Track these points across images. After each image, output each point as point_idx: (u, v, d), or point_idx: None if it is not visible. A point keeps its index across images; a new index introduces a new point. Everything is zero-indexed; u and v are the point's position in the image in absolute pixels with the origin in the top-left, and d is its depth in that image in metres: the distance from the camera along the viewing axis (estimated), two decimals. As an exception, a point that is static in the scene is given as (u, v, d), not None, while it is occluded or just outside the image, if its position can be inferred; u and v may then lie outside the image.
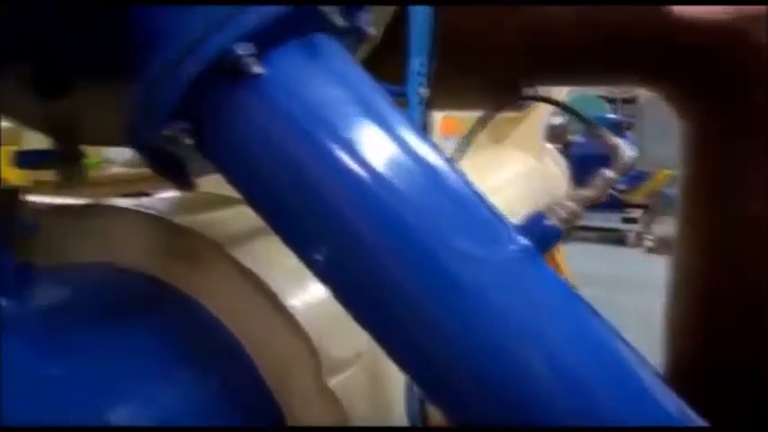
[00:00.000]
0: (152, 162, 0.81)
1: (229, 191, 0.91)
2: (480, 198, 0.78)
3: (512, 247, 0.73)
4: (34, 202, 1.12)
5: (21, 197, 0.98)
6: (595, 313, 0.74)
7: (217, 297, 1.14)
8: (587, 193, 0.77)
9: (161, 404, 1.00)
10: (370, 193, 0.73)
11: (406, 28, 1.01)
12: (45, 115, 0.93)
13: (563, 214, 0.74)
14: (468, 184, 0.78)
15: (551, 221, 0.74)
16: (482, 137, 1.77)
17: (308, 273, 0.94)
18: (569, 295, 0.73)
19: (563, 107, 1.50)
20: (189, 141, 0.72)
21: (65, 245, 1.22)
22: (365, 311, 0.79)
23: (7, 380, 0.74)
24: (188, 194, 1.40)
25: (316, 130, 0.72)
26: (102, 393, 0.91)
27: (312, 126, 0.72)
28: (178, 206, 1.33)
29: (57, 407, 0.81)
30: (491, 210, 0.78)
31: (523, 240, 0.73)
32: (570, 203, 0.74)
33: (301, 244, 0.79)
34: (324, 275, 0.80)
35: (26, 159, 0.84)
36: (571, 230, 0.75)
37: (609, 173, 0.78)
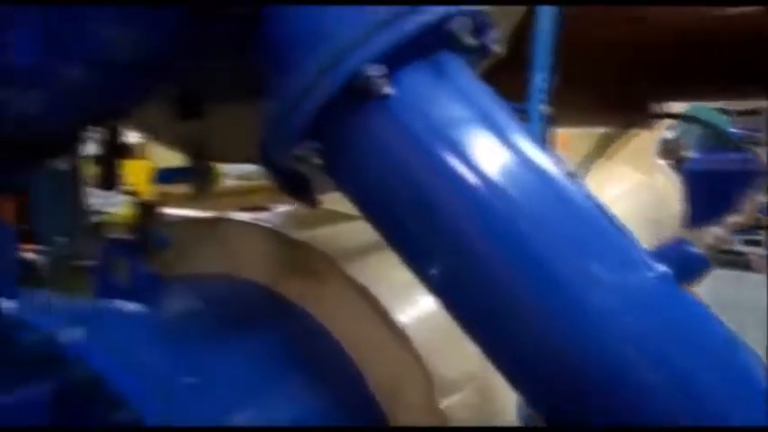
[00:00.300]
0: (279, 180, 0.83)
1: (342, 206, 0.94)
2: (611, 219, 0.75)
3: (649, 273, 0.69)
4: (164, 215, 1.19)
5: (156, 211, 1.05)
6: (743, 345, 0.69)
7: (329, 311, 1.17)
8: (737, 218, 0.72)
9: (275, 412, 1.03)
10: (492, 212, 0.73)
11: (528, 44, 0.99)
12: (181, 135, 0.99)
13: (709, 240, 0.69)
14: (597, 204, 0.75)
15: (694, 248, 0.69)
16: (591, 152, 1.71)
17: (417, 289, 0.95)
18: (715, 326, 0.68)
19: (702, 123, 1.42)
20: (318, 161, 0.74)
21: (188, 255, 1.29)
22: (480, 328, 0.78)
23: (147, 385, 0.79)
24: (303, 209, 1.45)
25: (440, 149, 0.73)
26: (223, 401, 0.95)
27: (437, 145, 0.73)
28: (294, 221, 1.37)
29: (186, 412, 0.85)
30: (622, 232, 0.74)
31: (661, 267, 0.69)
32: (717, 230, 0.69)
33: (418, 259, 0.80)
34: (439, 290, 0.80)
35: (164, 175, 0.90)
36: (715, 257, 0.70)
37: (760, 196, 0.72)
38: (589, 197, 0.76)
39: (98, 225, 2.63)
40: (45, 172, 1.30)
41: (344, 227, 1.36)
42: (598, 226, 0.75)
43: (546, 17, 0.99)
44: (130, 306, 1.00)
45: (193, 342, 1.00)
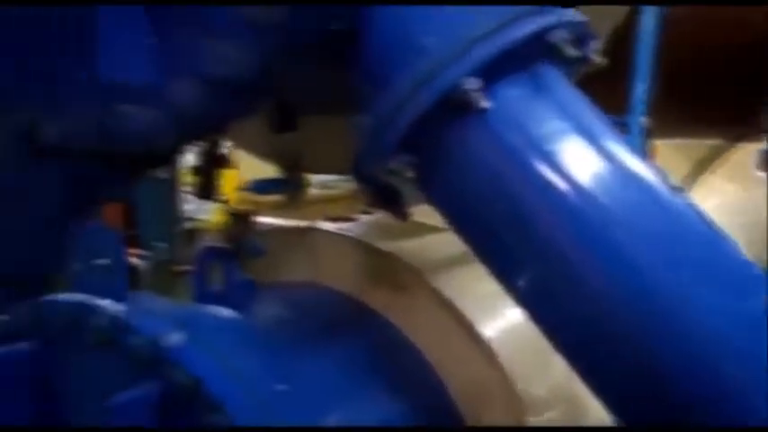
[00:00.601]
0: (370, 192, 0.84)
1: (426, 218, 0.93)
2: (722, 238, 0.70)
3: (760, 298, 0.64)
4: (257, 223, 1.23)
5: (251, 220, 1.09)
6: None
7: (414, 322, 1.16)
8: None
9: (360, 419, 1.03)
10: (590, 224, 0.71)
11: (629, 53, 0.95)
12: (275, 147, 1.02)
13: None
14: (707, 221, 0.71)
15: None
16: (686, 166, 1.62)
17: (503, 302, 0.93)
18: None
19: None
20: (410, 174, 0.75)
21: (276, 263, 1.32)
22: (570, 341, 0.76)
23: (242, 390, 0.81)
24: (387, 220, 1.46)
25: (537, 162, 0.71)
26: (312, 407, 0.96)
27: (534, 158, 0.71)
28: (379, 231, 1.38)
29: (277, 417, 0.86)
30: (735, 252, 0.69)
31: None
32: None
33: (509, 270, 0.79)
34: (529, 302, 0.79)
35: (259, 186, 0.93)
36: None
37: None
38: (696, 212, 0.72)
39: (192, 231, 2.77)
40: (148, 181, 1.38)
41: (430, 239, 1.36)
42: (706, 243, 0.71)
43: (649, 19, 0.94)
44: (225, 311, 1.04)
45: (284, 348, 1.02)
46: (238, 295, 1.06)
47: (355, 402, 1.06)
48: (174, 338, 0.84)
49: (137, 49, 0.72)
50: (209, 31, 0.72)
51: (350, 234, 1.31)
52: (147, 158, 1.10)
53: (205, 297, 1.08)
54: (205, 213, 3.60)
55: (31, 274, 1.37)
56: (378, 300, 1.19)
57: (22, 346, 0.91)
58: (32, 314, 0.92)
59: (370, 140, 0.75)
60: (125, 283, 0.90)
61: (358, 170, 0.81)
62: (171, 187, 1.86)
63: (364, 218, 1.59)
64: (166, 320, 0.89)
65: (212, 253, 1.11)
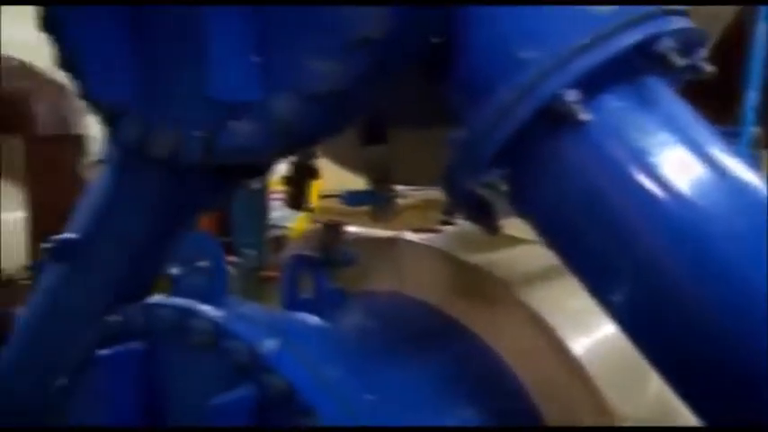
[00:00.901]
0: (462, 205, 0.84)
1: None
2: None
3: None
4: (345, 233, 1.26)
5: (342, 230, 1.11)
6: None
7: (502, 336, 1.15)
8: None
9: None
10: (696, 241, 0.68)
11: (741, 60, 0.90)
12: (365, 159, 1.04)
13: None
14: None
15: None
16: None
17: (593, 319, 0.89)
18: None
19: None
20: (505, 187, 0.74)
21: (362, 273, 1.34)
22: (669, 356, 0.74)
23: (333, 398, 0.83)
24: (472, 232, 1.45)
25: (640, 176, 0.69)
26: (400, 418, 0.97)
27: (636, 171, 0.70)
28: (465, 243, 1.38)
29: (365, 424, 0.88)
30: None
31: None
32: None
33: (604, 285, 0.76)
34: (625, 316, 0.76)
35: (351, 198, 0.96)
36: None
37: None
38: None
39: (279, 238, 2.86)
40: (242, 190, 1.43)
41: (516, 251, 1.34)
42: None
43: (764, 24, 0.89)
44: (314, 319, 1.07)
45: (371, 358, 1.04)
46: (327, 303, 1.09)
47: (441, 416, 1.06)
48: (270, 344, 0.87)
49: (244, 67, 0.76)
50: (310, 48, 0.74)
51: (435, 245, 1.31)
52: (246, 170, 1.15)
53: (294, 304, 1.11)
54: (289, 221, 3.71)
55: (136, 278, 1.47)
56: (464, 312, 1.18)
57: (135, 345, 0.97)
58: (142, 316, 0.98)
59: (464, 153, 0.75)
60: (224, 288, 0.94)
61: (449, 183, 0.81)
62: (262, 196, 1.93)
63: (449, 229, 1.59)
64: (262, 326, 0.93)
65: (302, 261, 1.14)
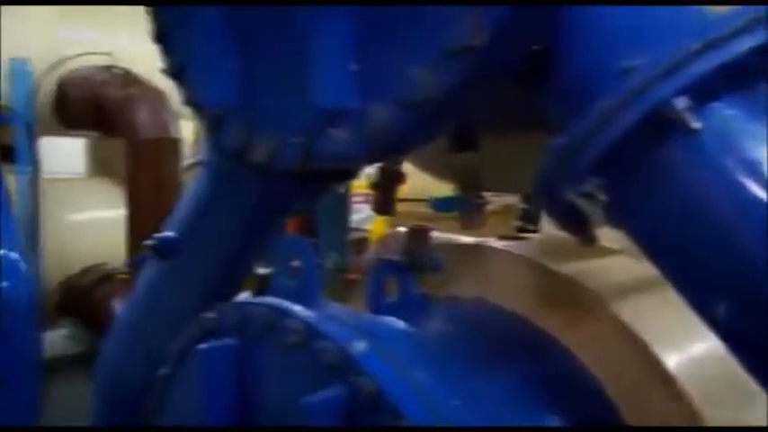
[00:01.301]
0: (556, 214, 0.82)
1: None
2: None
3: None
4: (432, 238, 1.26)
5: (428, 235, 1.12)
6: None
7: (591, 348, 1.11)
8: None
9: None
10: None
11: None
12: (455, 166, 1.04)
13: None
14: None
15: None
16: None
17: (689, 334, 0.85)
18: None
19: None
20: (603, 197, 0.72)
21: (447, 278, 1.34)
22: None
23: (421, 402, 0.84)
24: (560, 240, 1.42)
25: (753, 187, 0.66)
26: (484, 423, 0.96)
27: (748, 182, 0.66)
28: (552, 251, 1.35)
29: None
30: None
31: None
32: None
33: (707, 299, 0.73)
34: (729, 329, 0.73)
35: (440, 204, 0.96)
36: None
37: None
38: None
39: (360, 241, 2.90)
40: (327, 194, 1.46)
41: (606, 262, 1.30)
42: None
43: None
44: (400, 323, 1.08)
45: (457, 363, 1.03)
46: (412, 308, 1.10)
47: (526, 424, 1.04)
48: (360, 346, 0.89)
49: (344, 75, 0.78)
50: (408, 56, 0.75)
51: (522, 253, 1.29)
52: (337, 174, 1.18)
53: (379, 308, 1.13)
54: (367, 224, 3.75)
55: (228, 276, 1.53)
56: (552, 322, 1.16)
57: (229, 341, 1.02)
58: (236, 314, 1.03)
59: (562, 161, 0.74)
60: (316, 289, 0.97)
61: (544, 191, 0.80)
62: (345, 199, 1.97)
63: (534, 237, 1.56)
64: (351, 328, 0.95)
65: (389, 265, 1.16)
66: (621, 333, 1.08)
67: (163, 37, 1.09)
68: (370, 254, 1.97)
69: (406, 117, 0.77)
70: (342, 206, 1.89)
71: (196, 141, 4.89)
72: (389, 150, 0.84)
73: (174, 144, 3.80)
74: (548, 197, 0.79)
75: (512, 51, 0.76)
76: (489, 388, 1.03)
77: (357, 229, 2.78)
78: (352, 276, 2.03)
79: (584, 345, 1.11)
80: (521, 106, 0.91)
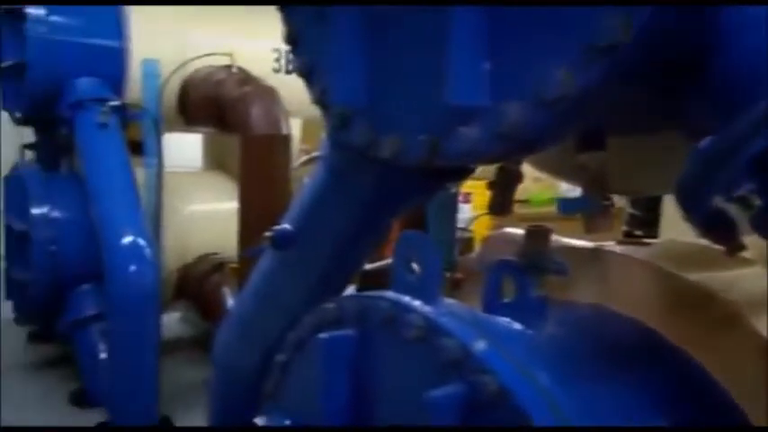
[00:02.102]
0: (699, 220, 0.78)
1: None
2: None
3: None
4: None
5: (549, 237, 1.09)
6: None
7: (727, 363, 1.04)
8: None
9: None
10: None
11: None
12: (579, 166, 1.01)
13: None
14: None
15: None
16: None
17: None
18: None
19: None
20: (758, 202, 0.67)
21: (563, 282, 1.30)
22: None
23: (547, 406, 0.82)
24: (687, 247, 1.34)
25: None
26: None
27: None
28: (679, 258, 1.28)
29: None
30: None
31: None
32: None
33: None
34: None
35: (566, 205, 0.94)
36: None
37: None
38: None
39: (467, 240, 2.89)
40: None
41: (741, 272, 1.21)
42: None
43: None
44: (518, 325, 1.06)
45: (579, 369, 1.00)
46: (530, 310, 1.08)
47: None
48: (482, 344, 0.88)
49: (477, 73, 0.78)
50: (544, 54, 0.74)
51: (647, 259, 1.23)
52: (456, 173, 1.18)
53: (495, 308, 1.12)
54: (469, 223, 3.72)
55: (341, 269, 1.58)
56: (681, 333, 1.10)
57: (348, 332, 1.05)
58: (356, 306, 1.05)
59: (712, 164, 0.70)
60: (437, 286, 0.98)
61: (688, 195, 0.75)
62: (455, 198, 1.97)
63: (657, 242, 1.49)
64: (471, 325, 0.95)
65: (507, 265, 1.14)
66: (762, 348, 1.00)
67: (294, 38, 1.13)
68: (476, 254, 1.96)
69: (540, 115, 0.75)
70: (451, 205, 1.88)
71: (303, 139, 5.07)
72: (521, 149, 0.83)
73: (284, 141, 3.96)
74: (692, 202, 0.75)
75: (655, 51, 0.73)
76: (612, 395, 0.99)
77: (462, 229, 2.76)
78: (458, 276, 2.02)
79: (718, 358, 1.04)
80: (653, 106, 0.87)
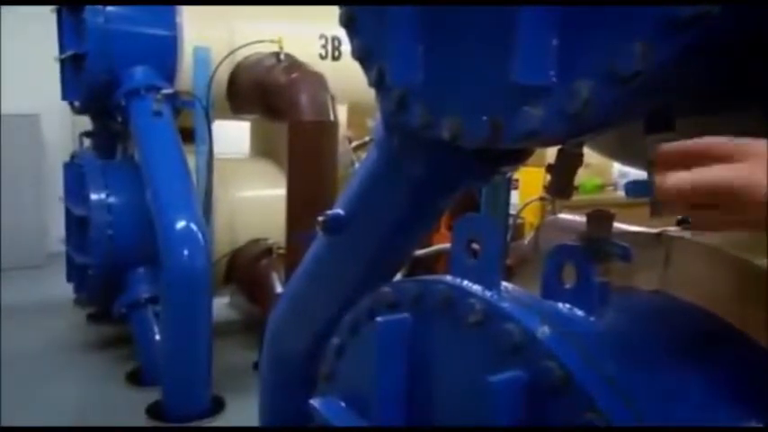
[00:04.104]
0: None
1: None
2: None
3: None
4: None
5: (612, 221, 1.06)
6: None
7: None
8: None
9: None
10: None
11: None
12: (647, 148, 0.97)
13: None
14: None
15: None
16: None
17: None
18: None
19: None
20: None
21: (623, 268, 1.26)
22: None
23: (617, 394, 0.80)
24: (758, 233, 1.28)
25: None
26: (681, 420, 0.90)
27: None
28: (750, 244, 1.22)
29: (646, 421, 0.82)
30: None
31: None
32: None
33: None
34: None
35: (634, 188, 0.90)
36: None
37: None
38: None
39: (519, 226, 2.85)
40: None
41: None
42: None
43: None
44: (580, 311, 1.04)
45: (642, 355, 0.98)
46: (591, 296, 1.05)
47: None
48: (545, 329, 0.87)
49: (545, 51, 0.76)
50: (618, 28, 0.71)
51: (713, 244, 1.18)
52: (512, 157, 1.16)
53: (555, 294, 1.09)
54: (516, 209, 3.67)
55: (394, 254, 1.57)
56: (749, 320, 1.05)
57: (405, 315, 1.04)
58: (414, 289, 1.05)
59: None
60: (497, 270, 0.96)
61: None
62: (508, 184, 1.94)
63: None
64: (533, 310, 0.93)
65: (569, 250, 1.11)
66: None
67: (350, 20, 1.13)
68: (528, 240, 1.92)
69: (613, 92, 0.72)
70: (504, 190, 1.86)
71: (349, 124, 5.08)
72: (590, 128, 0.80)
73: (331, 127, 3.97)
74: None
75: (740, 25, 0.69)
76: (677, 382, 0.96)
77: (513, 215, 2.73)
78: (508, 262, 1.99)
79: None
80: (730, 85, 0.82)
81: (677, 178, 0.70)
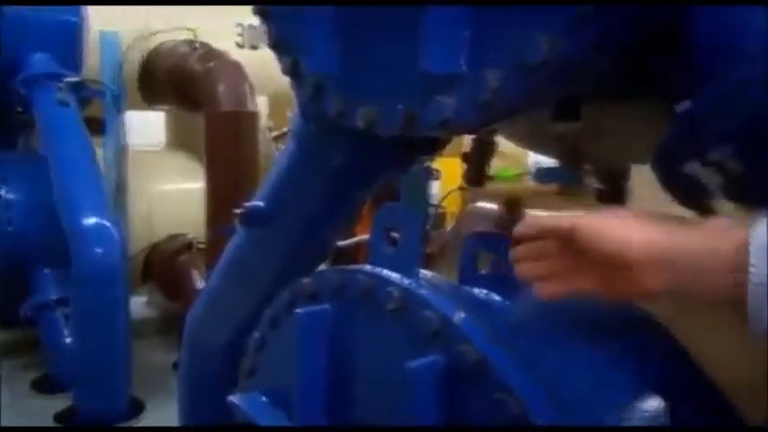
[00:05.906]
0: (673, 184, 0.79)
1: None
2: None
3: None
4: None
5: (523, 208, 1.10)
6: None
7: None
8: None
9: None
10: None
11: None
12: (554, 137, 1.01)
13: None
14: None
15: None
16: None
17: None
18: None
19: None
20: (735, 166, 0.68)
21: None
22: None
23: (531, 373, 0.83)
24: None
25: None
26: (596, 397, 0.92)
27: None
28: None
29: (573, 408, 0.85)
30: None
31: None
32: None
33: None
34: None
35: (543, 174, 0.93)
36: None
37: None
38: None
39: (439, 216, 2.89)
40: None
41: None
42: None
43: None
44: (495, 297, 1.06)
45: (554, 338, 1.01)
46: (507, 281, 1.08)
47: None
48: (461, 314, 0.88)
49: (456, 40, 0.76)
50: (528, 20, 0.73)
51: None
52: (428, 146, 1.17)
53: (471, 280, 1.12)
54: (437, 199, 3.73)
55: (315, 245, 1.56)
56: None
57: (325, 306, 1.03)
58: (333, 280, 1.04)
59: (690, 127, 0.70)
60: (416, 258, 0.97)
61: (665, 160, 0.76)
62: (428, 174, 1.96)
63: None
64: (450, 297, 0.95)
65: (483, 238, 1.14)
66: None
67: (264, 9, 1.10)
68: (449, 229, 1.96)
69: (519, 82, 0.74)
70: (424, 180, 1.88)
71: (269, 115, 4.99)
72: (500, 115, 0.82)
73: (250, 117, 3.89)
74: (668, 166, 0.76)
75: (647, 17, 0.72)
76: (587, 360, 1.00)
77: (433, 205, 2.77)
78: (429, 251, 2.03)
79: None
80: (632, 72, 0.87)
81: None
